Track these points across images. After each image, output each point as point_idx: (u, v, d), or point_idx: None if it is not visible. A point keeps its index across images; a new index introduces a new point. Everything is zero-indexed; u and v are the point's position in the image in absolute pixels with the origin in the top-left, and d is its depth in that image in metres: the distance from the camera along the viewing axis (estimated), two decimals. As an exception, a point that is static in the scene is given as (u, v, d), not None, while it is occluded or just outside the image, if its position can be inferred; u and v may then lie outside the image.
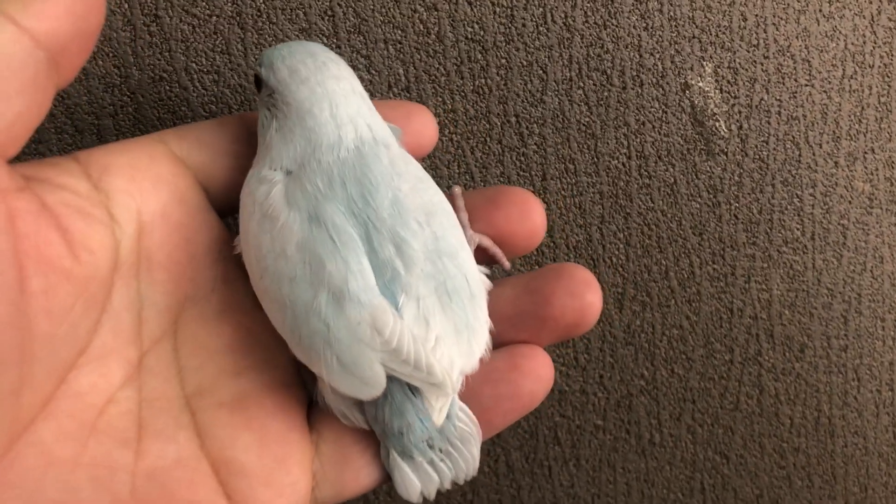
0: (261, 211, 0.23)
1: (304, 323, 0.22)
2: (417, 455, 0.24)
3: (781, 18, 0.34)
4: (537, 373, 0.24)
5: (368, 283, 0.22)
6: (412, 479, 0.24)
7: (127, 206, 0.23)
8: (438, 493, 0.34)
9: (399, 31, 0.32)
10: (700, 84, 0.35)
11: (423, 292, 0.22)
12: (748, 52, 0.35)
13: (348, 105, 0.24)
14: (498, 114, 0.33)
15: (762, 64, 0.35)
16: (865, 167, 0.36)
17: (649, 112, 0.34)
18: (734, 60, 0.35)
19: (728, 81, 0.35)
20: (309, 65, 0.24)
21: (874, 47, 0.35)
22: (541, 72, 0.33)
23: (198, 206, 0.24)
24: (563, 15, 0.33)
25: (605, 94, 0.34)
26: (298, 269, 0.22)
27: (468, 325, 0.23)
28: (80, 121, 0.31)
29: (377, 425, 0.23)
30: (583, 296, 0.24)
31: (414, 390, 0.23)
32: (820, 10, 0.35)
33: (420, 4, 0.32)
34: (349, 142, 0.23)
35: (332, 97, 0.24)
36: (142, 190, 0.23)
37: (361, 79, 0.32)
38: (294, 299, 0.22)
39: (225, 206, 0.25)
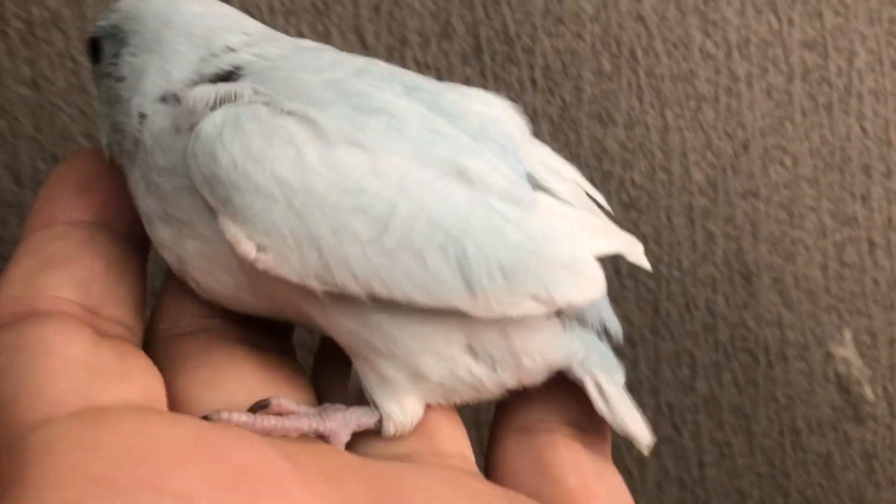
0: (320, 148, 0.18)
1: (493, 240, 0.18)
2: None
3: (910, 279, 0.35)
4: None
5: (516, 173, 0.19)
6: (637, 414, 0.20)
7: None
8: None
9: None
10: (841, 352, 0.34)
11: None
12: (884, 314, 0.34)
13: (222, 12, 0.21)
14: (651, 406, 0.32)
15: (898, 325, 0.35)
16: None
17: (796, 386, 0.34)
18: (871, 325, 0.34)
19: (868, 346, 0.34)
20: None
21: None
22: (688, 359, 0.33)
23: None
24: (704, 301, 0.33)
25: (753, 373, 0.33)
26: (442, 185, 0.18)
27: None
28: None
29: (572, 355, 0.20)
30: None
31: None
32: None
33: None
34: (258, 38, 0.21)
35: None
36: None
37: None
38: (462, 225, 0.18)
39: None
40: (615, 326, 0.21)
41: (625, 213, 0.32)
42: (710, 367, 0.33)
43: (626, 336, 0.30)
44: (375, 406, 0.19)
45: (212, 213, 0.19)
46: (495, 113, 0.20)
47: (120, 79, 0.20)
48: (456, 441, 0.20)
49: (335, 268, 0.18)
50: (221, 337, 0.20)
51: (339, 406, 0.19)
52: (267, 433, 0.18)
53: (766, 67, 0.33)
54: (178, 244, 0.19)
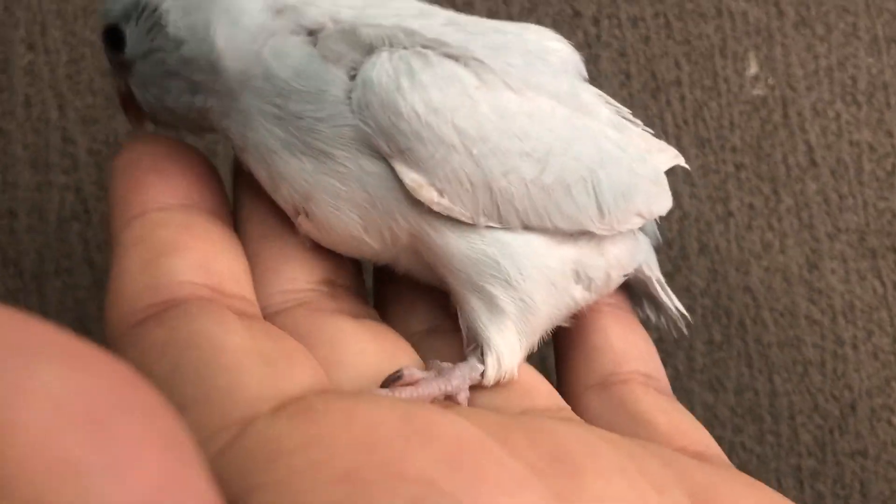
0: (488, 96, 0.20)
1: (616, 169, 0.21)
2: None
3: None
4: None
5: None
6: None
7: None
8: None
9: None
10: None
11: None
12: None
13: None
14: None
15: None
16: None
17: None
18: None
19: None
20: None
21: None
22: None
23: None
24: None
25: None
26: (576, 121, 0.21)
27: None
28: None
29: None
30: None
31: None
32: None
33: None
34: None
35: None
36: None
37: None
38: (596, 157, 0.21)
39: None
40: (654, 229, 0.25)
41: (735, 476, 0.33)
42: None
43: None
44: (484, 342, 0.20)
45: (362, 150, 0.19)
46: (563, 49, 0.23)
47: (179, 43, 0.20)
48: (554, 396, 0.21)
49: (502, 205, 0.20)
50: (320, 310, 0.20)
51: (447, 364, 0.20)
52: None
53: (872, 330, 0.35)
54: (308, 176, 0.20)
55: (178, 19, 0.20)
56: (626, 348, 0.23)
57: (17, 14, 0.32)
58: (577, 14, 0.32)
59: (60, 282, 0.31)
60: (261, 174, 0.21)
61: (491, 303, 0.20)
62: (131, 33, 0.21)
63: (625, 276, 0.23)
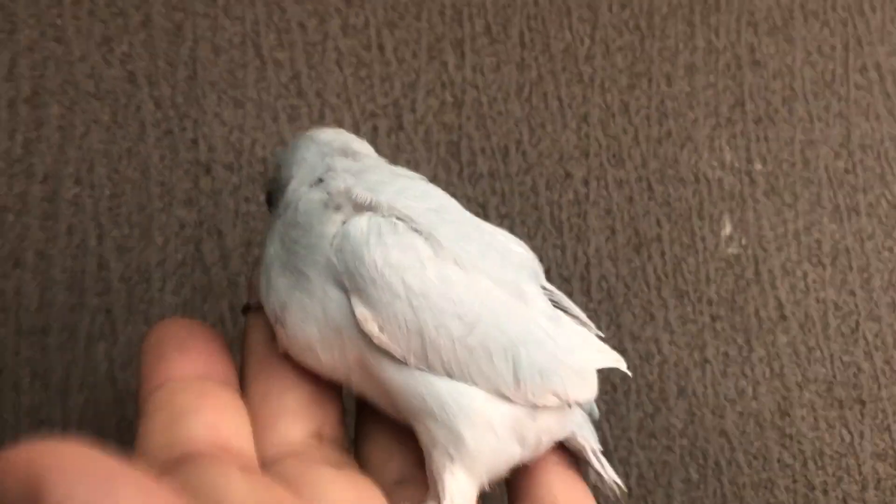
0: (437, 265, 0.24)
1: (537, 349, 0.24)
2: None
3: None
4: None
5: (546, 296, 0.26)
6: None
7: None
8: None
9: None
10: None
11: None
12: None
13: None
14: None
15: None
16: None
17: None
18: None
19: None
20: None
21: None
22: None
23: None
24: None
25: None
26: (510, 303, 0.24)
27: None
28: None
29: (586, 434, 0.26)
30: None
31: None
32: None
33: None
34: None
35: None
36: None
37: None
38: (521, 335, 0.24)
39: None
40: (594, 408, 0.27)
41: None
42: None
43: None
44: (440, 484, 0.24)
45: (329, 279, 0.24)
46: (523, 253, 0.27)
47: (284, 185, 0.27)
48: None
49: (430, 352, 0.24)
50: (308, 461, 0.24)
51: None
52: None
53: (841, 476, 0.37)
54: (287, 292, 0.24)
55: (287, 173, 0.27)
56: (569, 501, 0.26)
57: (69, 153, 0.36)
58: (569, 175, 0.36)
59: (83, 397, 0.34)
60: (261, 283, 0.26)
61: (429, 434, 0.24)
62: (276, 196, 0.28)
63: (554, 441, 0.26)
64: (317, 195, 0.26)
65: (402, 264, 0.24)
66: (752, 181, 0.37)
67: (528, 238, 0.35)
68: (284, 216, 0.26)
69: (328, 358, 0.24)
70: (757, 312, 0.37)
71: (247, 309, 0.28)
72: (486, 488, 0.24)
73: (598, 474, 0.27)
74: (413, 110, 0.34)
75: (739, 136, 0.38)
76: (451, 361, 0.24)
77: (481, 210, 0.35)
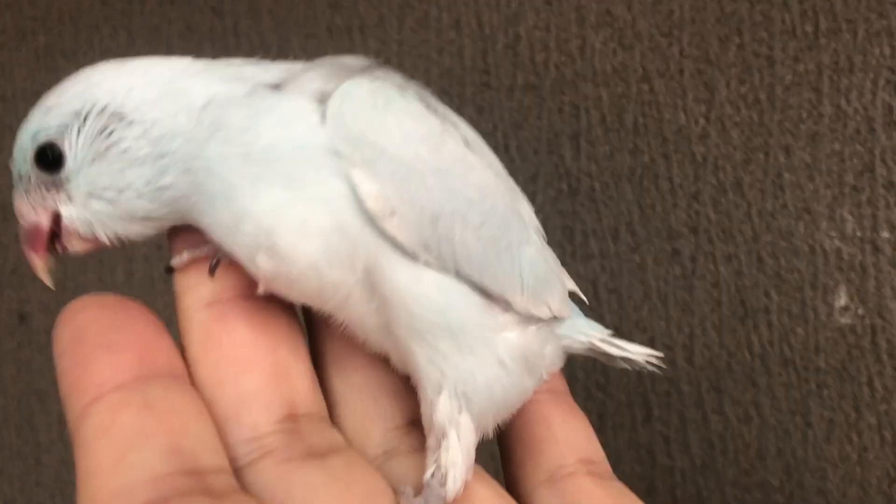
0: (455, 144, 0.21)
1: (536, 255, 0.24)
2: None
3: None
4: None
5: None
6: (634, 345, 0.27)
7: None
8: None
9: None
10: None
11: None
12: None
13: None
14: None
15: None
16: None
17: None
18: None
19: None
20: None
21: None
22: None
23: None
24: None
25: None
26: (513, 205, 0.23)
27: None
28: None
29: None
30: None
31: None
32: None
33: None
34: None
35: None
36: None
37: None
38: (524, 236, 0.23)
39: None
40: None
41: None
42: None
43: None
44: (439, 437, 0.21)
45: (330, 169, 0.20)
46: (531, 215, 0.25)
47: (151, 123, 0.21)
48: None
49: (443, 242, 0.21)
50: (287, 460, 0.20)
51: (418, 500, 0.21)
52: None
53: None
54: (273, 211, 0.20)
55: (141, 107, 0.21)
56: (569, 436, 0.24)
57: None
58: (677, 252, 0.38)
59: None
60: (222, 221, 0.21)
61: (434, 365, 0.21)
62: (74, 143, 0.21)
63: (555, 366, 0.25)
64: (260, 92, 0.21)
65: (419, 135, 0.21)
66: (877, 249, 0.37)
67: (635, 311, 0.39)
68: (230, 140, 0.21)
69: (334, 275, 0.21)
70: (870, 382, 0.37)
71: (171, 270, 0.23)
72: (490, 435, 0.23)
73: (625, 359, 0.26)
74: (533, 201, 0.38)
75: (865, 204, 0.38)
76: (462, 256, 0.21)
77: (591, 287, 0.39)
